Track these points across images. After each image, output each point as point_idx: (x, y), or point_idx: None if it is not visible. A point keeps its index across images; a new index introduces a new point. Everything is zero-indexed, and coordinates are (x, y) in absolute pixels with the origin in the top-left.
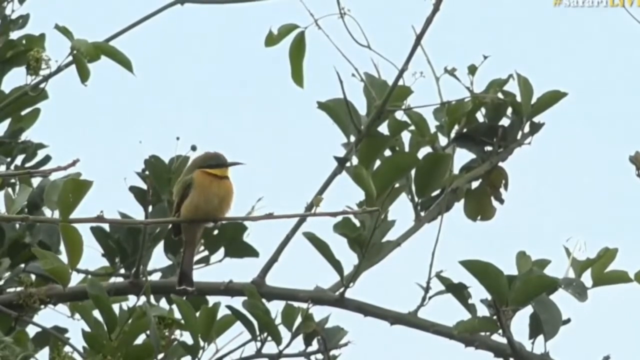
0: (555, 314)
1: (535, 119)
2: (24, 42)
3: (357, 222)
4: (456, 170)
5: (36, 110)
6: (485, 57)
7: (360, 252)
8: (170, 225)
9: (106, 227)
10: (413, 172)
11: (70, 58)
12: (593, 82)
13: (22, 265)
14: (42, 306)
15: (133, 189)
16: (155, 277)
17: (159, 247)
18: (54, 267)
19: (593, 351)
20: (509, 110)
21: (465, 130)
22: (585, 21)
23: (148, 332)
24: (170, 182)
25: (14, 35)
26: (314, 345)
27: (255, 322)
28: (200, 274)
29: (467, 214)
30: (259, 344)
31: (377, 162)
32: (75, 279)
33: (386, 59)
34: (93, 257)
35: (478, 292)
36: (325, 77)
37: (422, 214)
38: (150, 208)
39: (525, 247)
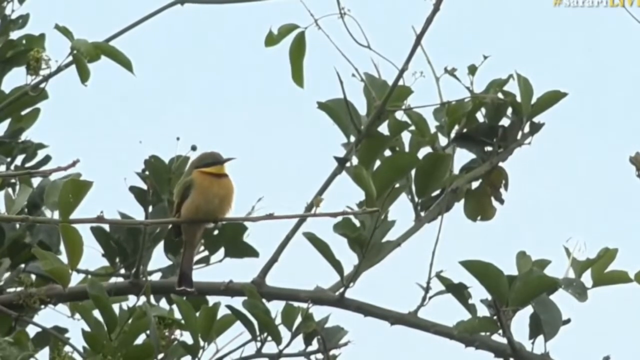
0: (555, 314)
1: (535, 119)
2: (24, 42)
3: (357, 222)
4: (456, 170)
5: (36, 110)
6: (485, 57)
7: (360, 252)
8: (170, 226)
9: (106, 227)
10: (413, 172)
11: (70, 58)
12: (593, 82)
13: (22, 266)
14: (42, 306)
15: (133, 189)
16: (156, 277)
17: (159, 247)
18: (54, 267)
19: (593, 351)
20: (509, 110)
21: (465, 130)
22: (585, 21)
23: (148, 332)
24: (170, 182)
25: (14, 35)
26: (314, 345)
27: (255, 322)
28: (200, 274)
29: (467, 214)
30: (259, 344)
31: (377, 162)
32: (75, 279)
33: (386, 59)
34: (93, 257)
35: (478, 292)
36: (325, 77)
37: (422, 214)
38: (150, 208)
39: (525, 247)
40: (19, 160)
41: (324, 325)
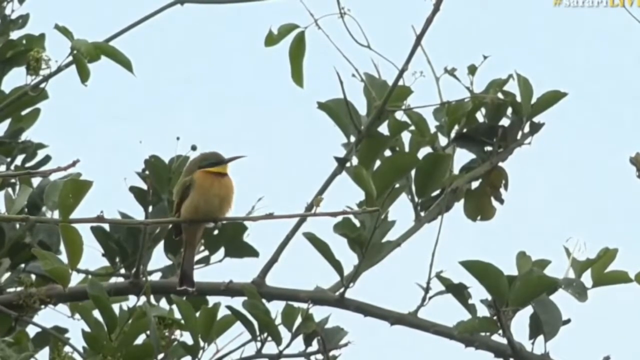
0: (555, 314)
1: (535, 119)
2: (24, 42)
3: (357, 222)
4: (456, 170)
5: (36, 110)
6: (485, 57)
7: (360, 252)
8: (170, 226)
9: (106, 227)
10: (413, 172)
11: (70, 58)
12: (593, 82)
13: (22, 266)
14: (42, 306)
15: (133, 189)
16: (156, 277)
17: (159, 247)
18: (54, 267)
19: (593, 351)
20: (509, 110)
21: (465, 130)
22: (585, 21)
23: (148, 332)
24: (170, 182)
25: (14, 35)
26: (314, 346)
27: (255, 322)
28: (200, 274)
29: (467, 214)
30: (259, 344)
31: (377, 162)
32: (75, 279)
33: (386, 59)
34: (93, 257)
35: (478, 293)
36: (325, 77)
37: (422, 214)
38: (150, 208)
39: (525, 247)
40: (19, 160)
41: (324, 326)
